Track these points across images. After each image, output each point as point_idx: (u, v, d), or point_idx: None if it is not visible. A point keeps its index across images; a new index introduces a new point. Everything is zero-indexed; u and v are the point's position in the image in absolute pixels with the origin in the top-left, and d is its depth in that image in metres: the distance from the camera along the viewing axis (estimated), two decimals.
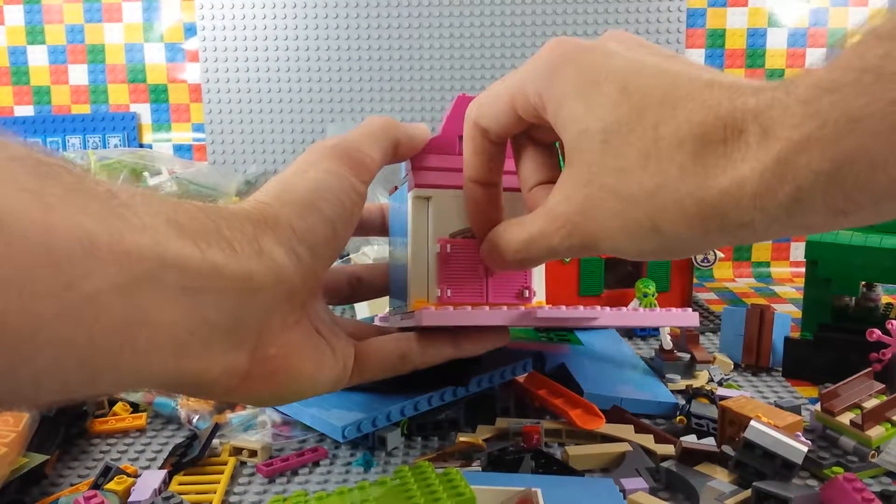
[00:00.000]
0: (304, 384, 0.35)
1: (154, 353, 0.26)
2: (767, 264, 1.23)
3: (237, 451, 0.56)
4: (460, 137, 0.43)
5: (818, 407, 0.58)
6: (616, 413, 0.60)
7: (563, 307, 0.44)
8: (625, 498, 0.48)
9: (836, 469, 0.52)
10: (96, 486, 0.51)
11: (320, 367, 0.36)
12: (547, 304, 0.47)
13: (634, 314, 0.48)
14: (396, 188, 0.50)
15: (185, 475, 0.53)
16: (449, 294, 0.43)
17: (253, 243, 0.30)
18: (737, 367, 0.75)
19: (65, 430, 0.58)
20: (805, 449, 0.49)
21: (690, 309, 0.50)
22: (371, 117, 0.40)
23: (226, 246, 0.29)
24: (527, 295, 0.45)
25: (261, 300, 0.30)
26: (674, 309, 0.50)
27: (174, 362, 0.27)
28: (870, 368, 0.61)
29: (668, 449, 0.55)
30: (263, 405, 0.39)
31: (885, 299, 0.76)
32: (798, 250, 1.22)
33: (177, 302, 0.26)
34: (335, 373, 0.37)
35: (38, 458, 0.52)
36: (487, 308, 0.43)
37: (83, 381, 0.25)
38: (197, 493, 0.51)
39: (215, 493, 0.51)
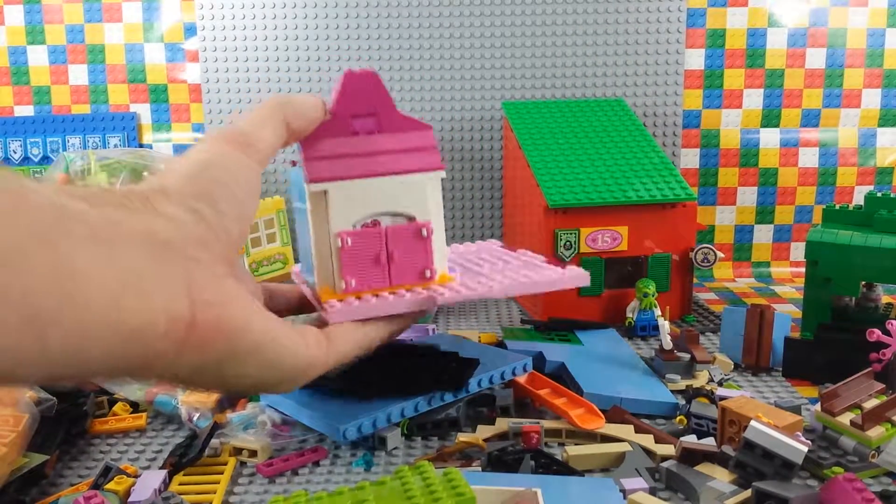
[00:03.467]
0: (259, 338, 0.33)
1: (93, 306, 0.26)
2: (767, 264, 1.23)
3: (237, 451, 0.56)
4: (354, 116, 0.43)
5: (818, 407, 0.58)
6: (616, 413, 0.60)
7: (462, 288, 0.45)
8: (625, 498, 0.48)
9: (836, 469, 0.52)
10: (96, 486, 0.51)
11: (275, 327, 0.34)
12: (448, 283, 0.46)
13: (526, 281, 0.47)
14: (294, 163, 0.47)
15: (185, 475, 0.53)
16: (353, 284, 0.43)
17: (146, 205, 0.30)
18: (737, 367, 0.75)
19: (65, 430, 0.58)
20: (805, 449, 0.49)
21: (581, 271, 0.48)
22: (265, 99, 0.40)
23: (119, 206, 0.29)
24: (428, 275, 0.44)
25: (174, 251, 0.30)
26: (559, 268, 0.49)
27: (116, 314, 0.27)
28: (870, 368, 0.61)
29: (668, 449, 0.55)
30: (231, 378, 0.34)
31: (885, 299, 0.76)
32: (798, 250, 1.23)
33: (94, 251, 0.27)
34: (301, 343, 0.36)
35: (38, 458, 0.52)
36: (390, 296, 0.43)
37: (31, 342, 0.24)
38: (197, 493, 0.51)
39: (215, 493, 0.51)
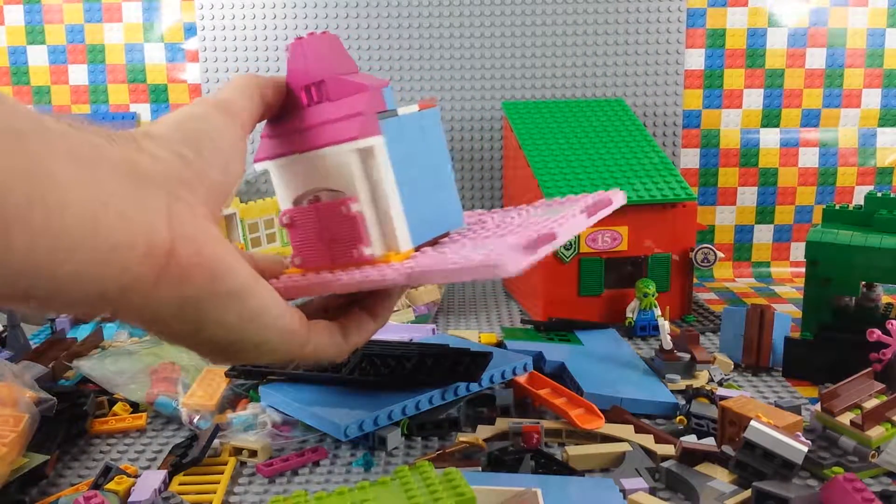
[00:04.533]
0: (243, 282, 0.32)
1: (68, 214, 0.25)
2: (767, 264, 1.23)
3: (237, 451, 0.56)
4: (306, 87, 0.40)
5: (818, 407, 0.58)
6: (616, 413, 0.61)
7: (405, 263, 0.38)
8: (625, 498, 0.48)
9: (836, 469, 0.52)
10: (96, 486, 0.51)
11: (260, 279, 0.33)
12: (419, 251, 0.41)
13: (447, 268, 0.36)
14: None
15: (185, 475, 0.53)
16: (298, 261, 0.41)
17: (130, 143, 0.30)
18: (737, 367, 0.75)
19: (65, 430, 0.58)
20: (805, 449, 0.49)
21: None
22: (236, 75, 0.40)
23: (104, 135, 0.29)
24: (357, 255, 0.40)
25: (156, 184, 0.29)
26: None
27: (93, 227, 0.26)
28: (870, 368, 0.61)
29: (668, 449, 0.55)
30: (210, 325, 0.32)
31: (885, 299, 0.76)
32: (798, 250, 1.23)
33: (73, 165, 0.26)
34: (285, 309, 0.34)
35: (38, 458, 0.52)
36: (330, 275, 0.39)
37: (20, 247, 0.24)
38: (197, 494, 0.51)
39: (215, 493, 0.51)
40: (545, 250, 0.36)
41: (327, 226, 0.40)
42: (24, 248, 0.24)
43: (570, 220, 0.42)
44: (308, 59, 0.40)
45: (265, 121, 0.41)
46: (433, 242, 0.43)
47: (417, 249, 0.41)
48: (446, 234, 0.45)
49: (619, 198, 0.49)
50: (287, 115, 0.41)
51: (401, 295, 0.46)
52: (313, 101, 0.40)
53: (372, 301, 0.42)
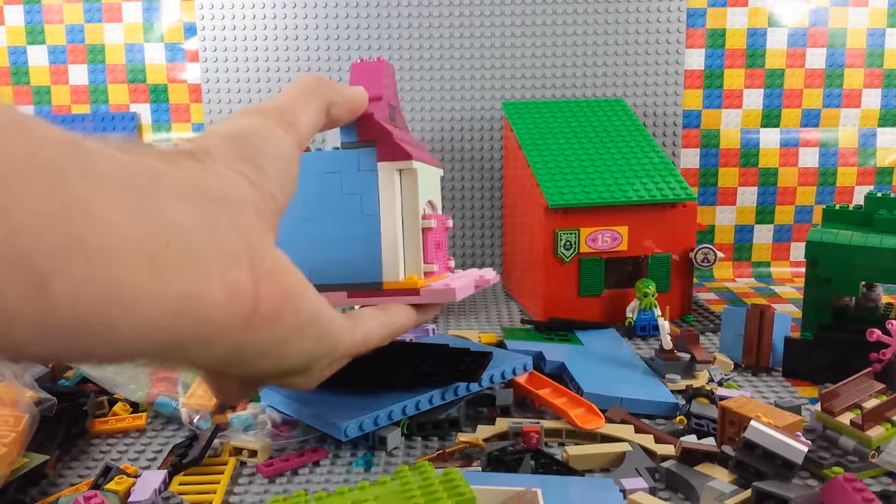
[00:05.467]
0: (317, 306, 0.30)
1: (117, 258, 0.21)
2: (767, 264, 1.23)
3: (237, 451, 0.56)
4: (392, 106, 0.44)
5: (818, 407, 0.58)
6: (616, 413, 0.60)
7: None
8: (625, 498, 0.48)
9: (836, 469, 0.52)
10: (96, 486, 0.51)
11: (318, 295, 0.31)
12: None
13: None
14: (310, 149, 0.45)
15: (185, 475, 0.53)
16: (436, 269, 0.44)
17: (192, 162, 0.26)
18: (737, 367, 0.75)
19: (65, 430, 0.58)
20: (805, 449, 0.49)
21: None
22: (303, 76, 0.36)
23: (164, 157, 0.25)
24: (451, 264, 0.49)
25: (230, 210, 0.26)
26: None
27: (154, 275, 0.22)
28: (870, 368, 0.61)
29: (668, 449, 0.55)
30: (291, 357, 0.30)
31: (885, 299, 0.76)
32: (798, 250, 1.23)
33: (123, 198, 0.22)
34: (336, 315, 0.33)
35: (38, 458, 0.52)
36: (464, 278, 0.46)
37: (24, 293, 0.19)
38: (197, 493, 0.51)
39: (215, 493, 0.51)
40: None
41: (441, 234, 0.45)
42: (69, 301, 0.20)
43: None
44: (389, 83, 0.44)
45: (366, 123, 0.42)
46: None
47: None
48: None
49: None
50: (380, 124, 0.42)
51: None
52: (388, 119, 0.43)
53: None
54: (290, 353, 0.30)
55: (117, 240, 0.21)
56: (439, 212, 0.47)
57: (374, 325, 0.38)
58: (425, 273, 0.44)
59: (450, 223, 0.47)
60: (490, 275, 0.51)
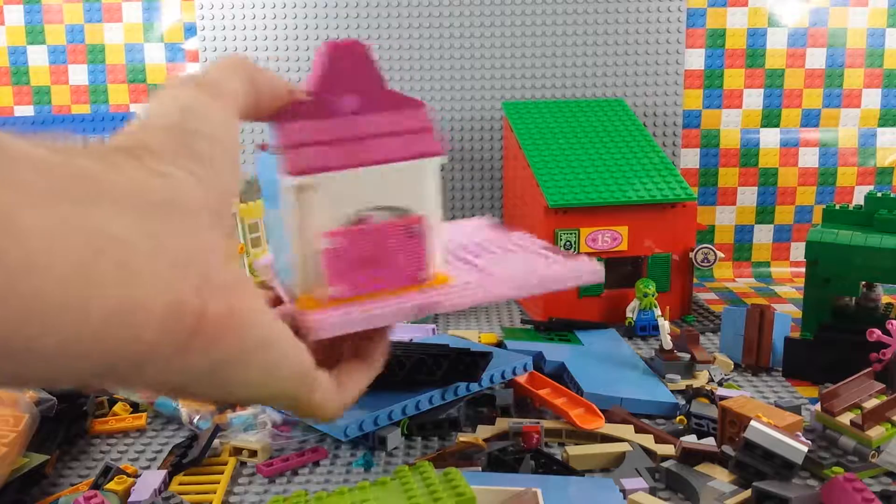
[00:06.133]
0: (267, 333, 0.27)
1: (41, 272, 0.19)
2: (767, 264, 1.23)
3: (237, 451, 0.56)
4: (336, 94, 0.36)
5: (818, 407, 0.58)
6: (616, 413, 0.61)
7: (467, 293, 0.38)
8: (625, 498, 0.48)
9: (836, 469, 0.52)
10: (96, 486, 0.51)
11: (279, 321, 0.29)
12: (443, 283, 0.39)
13: (534, 281, 0.40)
14: (265, 147, 0.40)
15: (185, 475, 0.53)
16: (342, 292, 0.37)
17: (132, 161, 0.24)
18: (737, 367, 0.75)
19: (65, 430, 0.58)
20: (805, 449, 0.49)
21: (593, 265, 0.40)
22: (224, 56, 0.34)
23: (98, 159, 0.23)
24: (424, 277, 0.38)
25: (178, 216, 0.23)
26: (567, 259, 0.42)
27: (82, 290, 0.20)
28: (870, 368, 0.61)
29: (668, 449, 0.55)
30: (233, 385, 0.27)
31: (885, 299, 0.76)
32: (798, 250, 1.23)
33: (52, 208, 0.20)
34: (300, 346, 0.30)
35: (38, 458, 0.52)
36: (385, 305, 0.36)
37: None
38: (197, 493, 0.51)
39: (215, 493, 0.51)
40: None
41: (387, 247, 0.37)
42: (18, 313, 0.19)
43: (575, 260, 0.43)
44: (340, 66, 0.36)
45: (279, 125, 0.36)
46: None
47: None
48: None
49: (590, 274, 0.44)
50: (310, 122, 0.36)
51: (388, 342, 0.41)
52: (349, 110, 0.36)
53: (365, 346, 0.38)
54: (232, 382, 0.27)
55: (42, 254, 0.19)
56: (419, 213, 0.38)
57: (331, 393, 0.34)
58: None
59: (421, 226, 0.37)
60: (447, 300, 0.38)
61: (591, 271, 0.40)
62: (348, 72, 0.36)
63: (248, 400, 0.30)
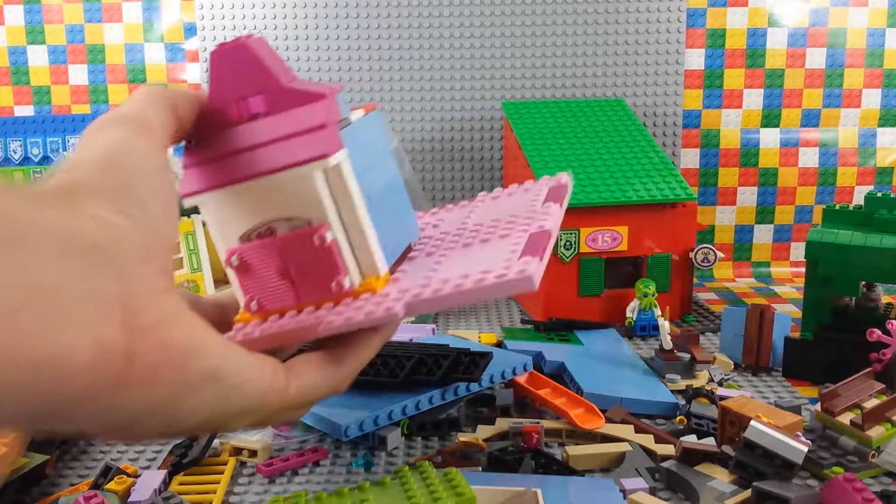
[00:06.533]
0: (216, 362, 0.27)
1: None
2: (767, 264, 1.23)
3: (237, 451, 0.56)
4: (238, 102, 0.34)
5: (818, 407, 0.58)
6: (616, 413, 0.61)
7: (382, 302, 0.33)
8: (625, 498, 0.48)
9: (836, 469, 0.52)
10: (96, 486, 0.51)
11: (229, 345, 0.29)
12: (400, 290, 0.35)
13: (458, 290, 0.33)
14: None
15: (185, 475, 0.53)
16: (255, 306, 0.35)
17: (62, 206, 0.24)
18: (737, 367, 0.75)
19: None
20: (805, 449, 0.49)
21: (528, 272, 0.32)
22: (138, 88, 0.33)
23: (33, 202, 0.23)
24: (335, 287, 0.34)
25: (105, 260, 0.24)
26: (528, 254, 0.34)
27: (10, 336, 0.20)
28: (870, 368, 0.61)
29: (668, 449, 0.55)
30: (183, 417, 0.27)
31: (885, 299, 0.76)
32: (798, 250, 1.23)
33: None
34: (255, 366, 0.29)
35: (38, 458, 0.52)
36: (302, 317, 0.34)
37: None
38: (197, 493, 0.51)
39: (215, 493, 0.51)
40: (548, 251, 0.34)
41: (293, 260, 0.34)
42: None
43: (549, 213, 0.39)
44: (237, 70, 0.34)
45: (182, 146, 0.35)
46: (402, 258, 0.39)
47: (392, 270, 0.37)
48: (409, 248, 0.41)
49: (567, 178, 0.46)
50: (214, 137, 0.34)
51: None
52: (250, 116, 0.34)
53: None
54: (182, 413, 0.26)
55: None
56: (322, 221, 0.34)
57: (315, 379, 0.32)
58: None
59: (323, 236, 0.34)
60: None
61: (521, 279, 0.31)
62: (238, 76, 0.34)
63: (208, 429, 0.30)
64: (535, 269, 0.32)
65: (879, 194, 0.73)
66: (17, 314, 0.21)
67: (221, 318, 0.35)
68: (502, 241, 0.37)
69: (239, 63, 0.34)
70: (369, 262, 0.35)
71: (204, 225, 0.90)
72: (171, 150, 0.32)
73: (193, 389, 0.26)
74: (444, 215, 0.48)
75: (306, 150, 0.33)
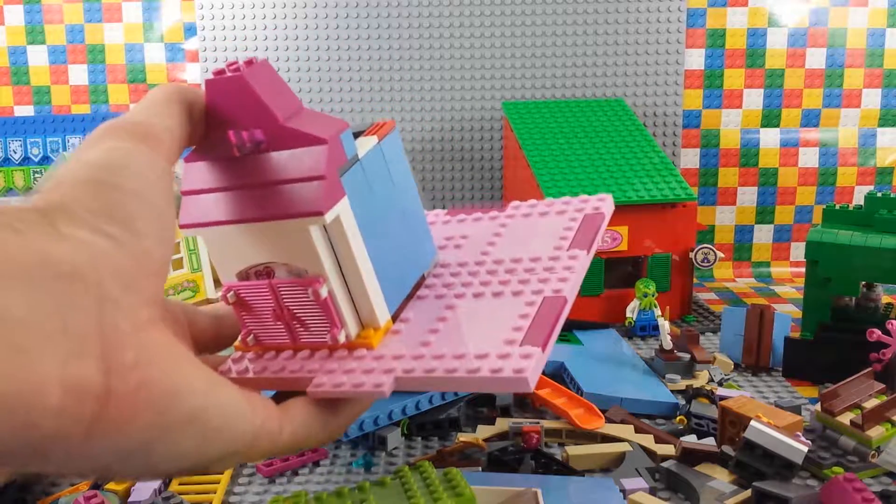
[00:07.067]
0: (201, 402, 0.25)
1: None
2: (767, 264, 1.23)
3: None
4: (238, 132, 0.31)
5: (818, 407, 0.58)
6: (616, 413, 0.61)
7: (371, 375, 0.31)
8: (625, 498, 0.48)
9: (836, 469, 0.52)
10: (96, 486, 0.51)
11: (217, 382, 0.26)
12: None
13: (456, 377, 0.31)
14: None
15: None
16: (252, 340, 0.34)
17: (43, 226, 0.22)
18: (737, 367, 0.75)
19: None
20: (805, 449, 0.49)
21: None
22: (156, 87, 0.31)
23: (7, 223, 0.21)
24: (343, 339, 0.33)
25: (82, 289, 0.22)
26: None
27: None
28: (870, 368, 0.61)
29: (668, 449, 0.55)
30: (162, 461, 0.25)
31: (885, 299, 0.76)
32: (798, 250, 1.23)
33: None
34: (245, 406, 0.27)
35: None
36: (302, 371, 0.33)
37: None
38: (197, 493, 0.51)
39: (215, 493, 0.51)
40: (558, 328, 0.32)
41: (289, 307, 0.33)
42: None
43: (572, 266, 0.37)
44: (233, 103, 0.31)
45: (186, 164, 0.33)
46: (414, 290, 0.38)
47: (396, 317, 0.35)
48: (423, 278, 0.39)
49: (608, 205, 0.41)
50: (211, 161, 0.32)
51: None
52: (249, 149, 0.32)
53: None
54: (159, 456, 0.24)
55: None
56: (317, 273, 0.32)
57: (309, 426, 0.31)
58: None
59: (317, 289, 0.32)
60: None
61: (516, 379, 0.29)
62: (234, 109, 0.31)
63: (190, 471, 0.27)
64: (535, 367, 0.29)
65: (879, 194, 0.73)
66: None
67: (218, 332, 0.34)
68: (514, 301, 0.35)
69: (236, 95, 0.31)
70: (369, 314, 0.34)
71: None
72: (179, 163, 0.30)
73: (173, 432, 0.24)
74: (470, 228, 0.44)
75: (302, 202, 0.31)
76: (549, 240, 0.41)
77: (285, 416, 0.29)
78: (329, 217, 0.31)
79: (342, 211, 0.32)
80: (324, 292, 0.32)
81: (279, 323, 0.33)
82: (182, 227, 0.32)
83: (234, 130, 0.31)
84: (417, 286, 0.38)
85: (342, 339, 0.33)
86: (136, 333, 0.23)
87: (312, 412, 0.31)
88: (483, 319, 0.35)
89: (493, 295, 0.37)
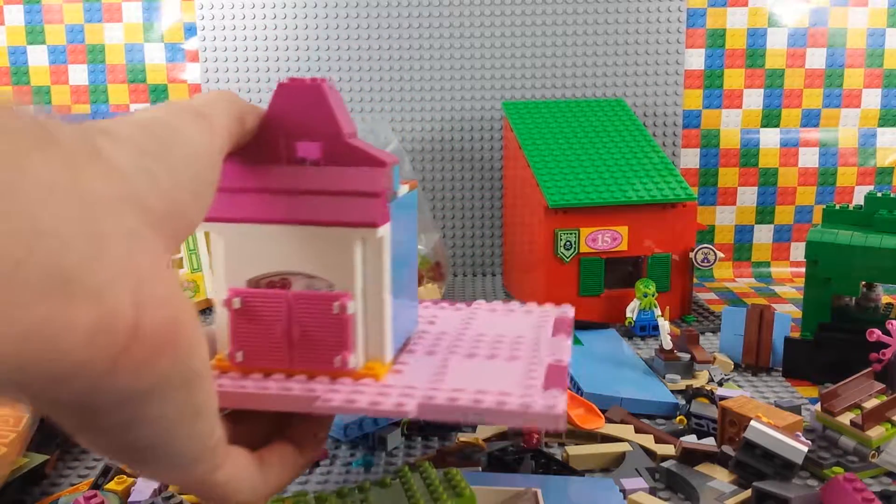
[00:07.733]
0: (200, 367, 0.24)
1: None
2: (767, 264, 1.23)
3: None
4: (296, 140, 0.32)
5: (818, 407, 0.58)
6: (616, 413, 0.61)
7: (371, 396, 0.31)
8: (625, 498, 0.48)
9: (836, 469, 0.52)
10: (96, 486, 0.51)
11: (209, 369, 0.25)
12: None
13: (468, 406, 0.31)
14: None
15: None
16: (240, 358, 0.33)
17: (82, 142, 0.21)
18: (737, 367, 0.75)
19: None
20: (805, 449, 0.49)
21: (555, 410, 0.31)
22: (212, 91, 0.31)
23: (33, 136, 0.20)
24: (339, 363, 0.32)
25: (116, 213, 0.20)
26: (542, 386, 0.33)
27: (7, 301, 0.17)
28: (870, 368, 0.61)
29: (668, 449, 0.55)
30: (146, 422, 0.23)
31: (885, 299, 0.76)
32: (798, 250, 1.23)
33: None
34: (216, 414, 0.26)
35: (38, 458, 0.52)
36: (275, 385, 0.32)
37: None
38: None
39: None
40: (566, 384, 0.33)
41: (301, 321, 0.32)
42: None
43: (563, 346, 0.39)
44: (303, 109, 0.32)
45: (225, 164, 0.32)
46: (401, 351, 0.37)
47: (393, 362, 0.35)
48: (408, 341, 0.39)
49: (571, 312, 0.46)
50: (254, 166, 0.32)
51: (330, 424, 0.37)
52: (305, 160, 0.32)
53: (303, 429, 0.33)
54: (145, 416, 0.23)
55: None
56: (344, 289, 0.32)
57: (242, 476, 0.29)
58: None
59: (343, 305, 0.31)
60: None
61: (550, 415, 0.30)
62: (302, 116, 0.32)
63: (147, 449, 0.25)
64: (564, 406, 0.30)
65: (879, 194, 0.73)
66: (15, 269, 0.17)
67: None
68: (512, 364, 0.36)
69: (307, 103, 0.32)
70: (378, 346, 0.33)
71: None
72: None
73: (168, 389, 0.22)
74: (438, 312, 0.45)
75: (356, 212, 0.31)
76: (526, 327, 0.42)
77: (229, 455, 0.28)
78: (380, 232, 0.32)
79: (386, 234, 0.32)
80: (352, 308, 0.32)
81: (282, 341, 0.32)
82: (209, 219, 0.32)
83: (286, 136, 0.32)
84: (403, 347, 0.38)
85: (352, 364, 0.32)
86: (160, 273, 0.21)
87: (288, 457, 0.30)
88: (487, 373, 0.35)
89: (487, 358, 0.37)
